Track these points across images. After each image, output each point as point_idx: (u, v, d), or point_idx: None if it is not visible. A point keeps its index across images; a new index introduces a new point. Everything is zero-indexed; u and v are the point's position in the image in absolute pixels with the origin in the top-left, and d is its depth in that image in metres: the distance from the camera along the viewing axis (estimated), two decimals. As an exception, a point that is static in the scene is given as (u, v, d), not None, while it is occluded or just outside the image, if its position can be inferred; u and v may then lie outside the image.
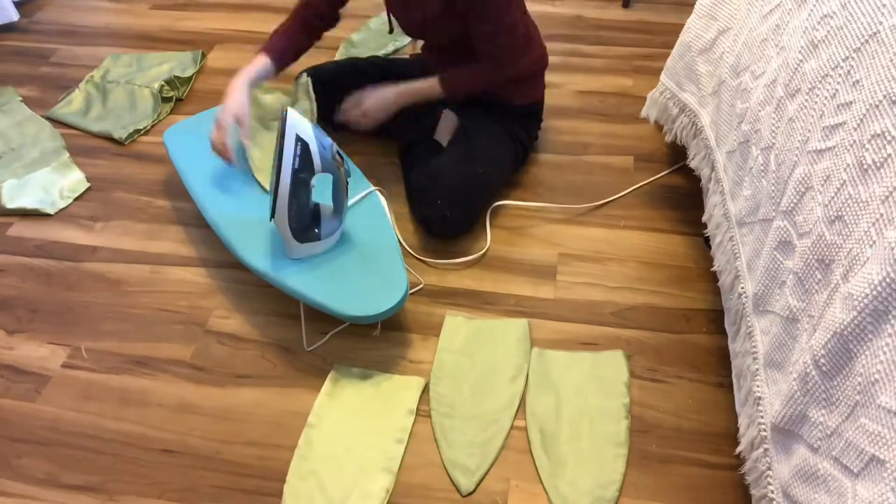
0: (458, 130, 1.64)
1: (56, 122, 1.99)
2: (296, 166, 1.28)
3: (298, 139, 1.28)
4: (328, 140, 1.33)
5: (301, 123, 1.29)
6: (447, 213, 1.53)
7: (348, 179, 1.36)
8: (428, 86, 1.60)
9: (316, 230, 1.38)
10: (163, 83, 2.03)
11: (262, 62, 1.56)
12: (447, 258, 1.56)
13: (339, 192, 1.36)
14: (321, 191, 1.41)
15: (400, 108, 1.65)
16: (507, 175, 1.70)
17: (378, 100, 1.63)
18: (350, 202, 1.47)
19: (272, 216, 1.33)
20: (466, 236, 1.60)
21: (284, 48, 1.60)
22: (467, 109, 1.66)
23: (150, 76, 2.10)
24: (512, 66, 1.57)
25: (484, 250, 1.57)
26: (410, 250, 1.57)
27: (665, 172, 1.73)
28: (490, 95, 1.65)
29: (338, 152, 1.34)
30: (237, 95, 1.51)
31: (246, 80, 1.53)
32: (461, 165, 1.55)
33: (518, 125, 1.68)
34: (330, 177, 1.35)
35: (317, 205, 1.40)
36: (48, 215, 1.70)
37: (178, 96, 2.04)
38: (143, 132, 1.93)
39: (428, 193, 1.55)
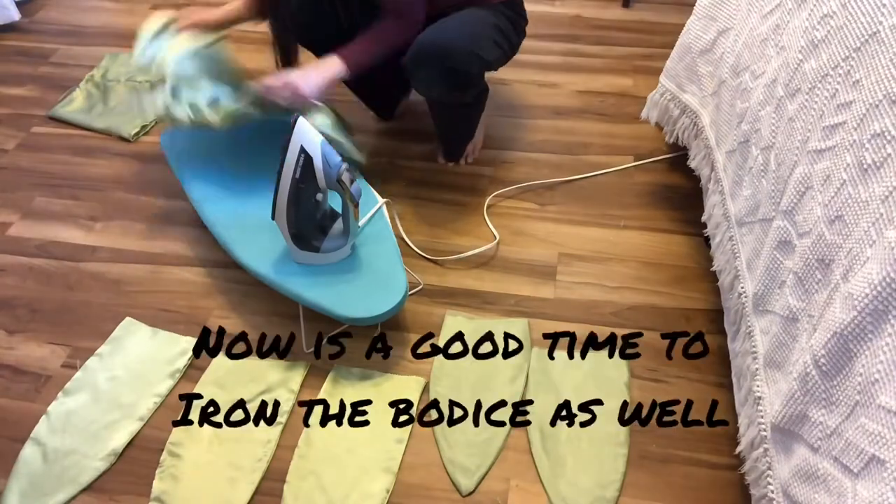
0: None
1: (58, 122, 1.99)
2: (296, 176, 1.28)
3: (302, 151, 1.26)
4: (337, 160, 1.29)
5: (309, 135, 1.27)
6: (434, 73, 1.48)
7: (357, 202, 1.32)
8: (333, 67, 1.47)
9: (315, 243, 1.37)
10: None
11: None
12: (451, 254, 1.56)
13: (345, 213, 1.36)
14: (336, 207, 1.42)
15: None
16: (494, 45, 1.56)
17: (307, 86, 1.47)
18: (361, 221, 1.46)
19: (273, 215, 1.33)
20: (469, 234, 1.60)
21: None
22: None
23: (151, 74, 2.10)
24: (418, 16, 1.49)
25: (495, 242, 1.57)
26: (418, 250, 1.57)
27: (626, 164, 1.73)
28: None
29: (347, 172, 1.30)
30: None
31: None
32: (435, 31, 1.48)
33: (502, 17, 1.59)
34: (338, 196, 1.35)
35: (326, 219, 1.40)
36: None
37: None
38: (149, 128, 1.94)
39: (413, 66, 1.50)
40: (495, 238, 1.59)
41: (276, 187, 1.29)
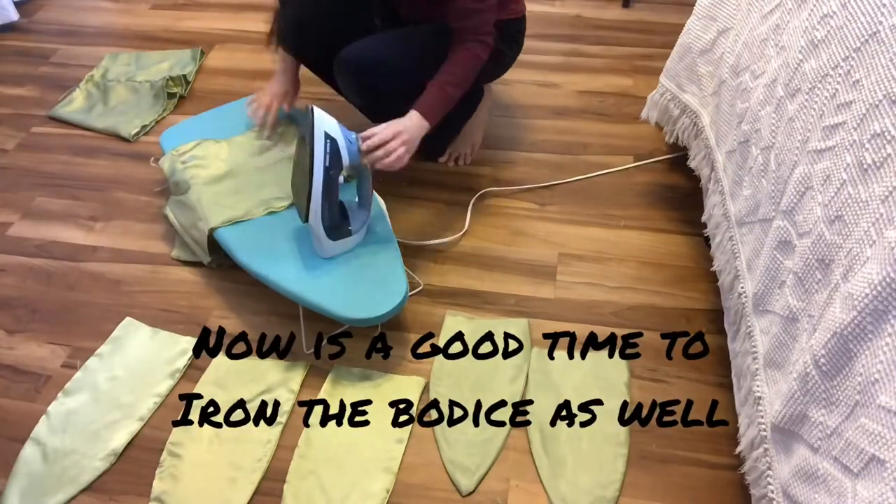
0: None
1: (58, 122, 1.99)
2: (327, 164, 1.26)
3: (328, 136, 1.25)
4: (352, 134, 1.31)
5: (327, 120, 1.27)
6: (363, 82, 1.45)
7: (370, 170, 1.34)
8: (416, 123, 1.40)
9: (348, 226, 1.36)
10: (168, 78, 2.03)
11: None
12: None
13: (365, 184, 1.35)
14: (347, 185, 1.42)
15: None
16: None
17: (413, 131, 1.40)
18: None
19: (306, 218, 1.31)
20: (450, 228, 1.60)
21: None
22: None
23: (150, 74, 2.10)
24: (489, 36, 1.43)
25: (462, 232, 1.58)
26: (406, 241, 1.57)
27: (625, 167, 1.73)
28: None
29: (358, 139, 1.32)
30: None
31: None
32: (370, 42, 1.43)
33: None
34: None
35: (342, 200, 1.39)
36: None
37: (181, 93, 2.05)
38: (149, 128, 1.93)
39: (336, 72, 1.48)
40: (464, 230, 1.60)
41: (309, 186, 1.26)
